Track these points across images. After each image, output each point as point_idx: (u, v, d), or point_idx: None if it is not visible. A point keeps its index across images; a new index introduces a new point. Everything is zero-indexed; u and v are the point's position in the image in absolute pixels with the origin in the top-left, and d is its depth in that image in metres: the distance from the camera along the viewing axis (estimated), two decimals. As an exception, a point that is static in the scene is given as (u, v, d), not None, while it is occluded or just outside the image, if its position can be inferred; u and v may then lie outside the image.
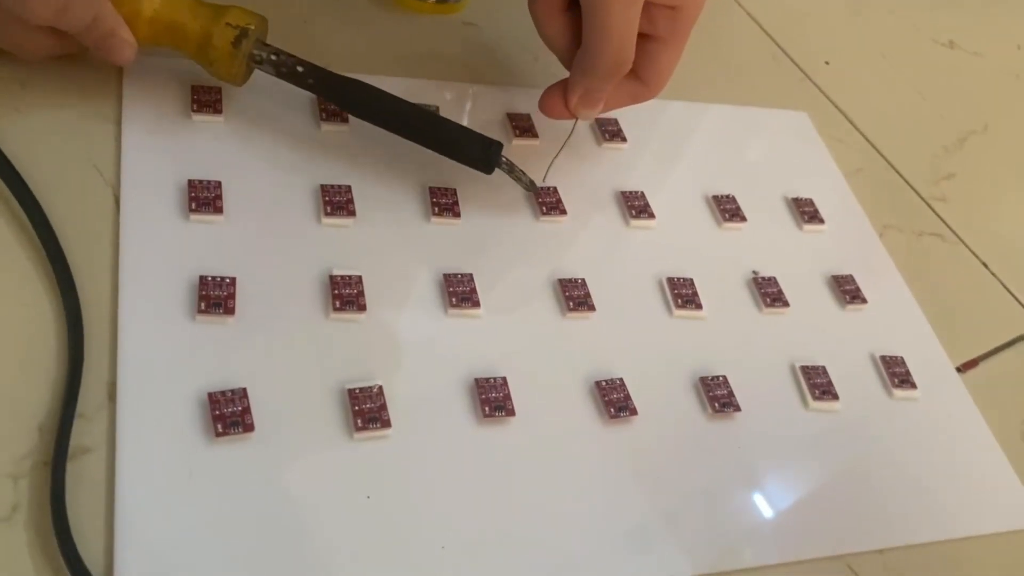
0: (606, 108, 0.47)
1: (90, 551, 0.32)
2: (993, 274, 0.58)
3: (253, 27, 0.42)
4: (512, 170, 0.45)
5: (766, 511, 0.41)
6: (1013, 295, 0.57)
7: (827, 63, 0.68)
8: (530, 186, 0.47)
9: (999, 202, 0.64)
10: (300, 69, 0.43)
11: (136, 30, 0.41)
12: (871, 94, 0.67)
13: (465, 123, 0.47)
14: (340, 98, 0.44)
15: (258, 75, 0.45)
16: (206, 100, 0.45)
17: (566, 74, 0.46)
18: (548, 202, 0.48)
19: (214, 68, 0.42)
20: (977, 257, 0.59)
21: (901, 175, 0.62)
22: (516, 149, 0.50)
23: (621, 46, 0.42)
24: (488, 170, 0.45)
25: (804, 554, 0.40)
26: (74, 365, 0.35)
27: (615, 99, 0.47)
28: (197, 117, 0.45)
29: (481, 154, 0.44)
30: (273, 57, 0.43)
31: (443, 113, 0.47)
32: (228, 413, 0.36)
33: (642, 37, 0.43)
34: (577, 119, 0.47)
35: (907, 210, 0.60)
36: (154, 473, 0.34)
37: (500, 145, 0.45)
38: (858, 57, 0.71)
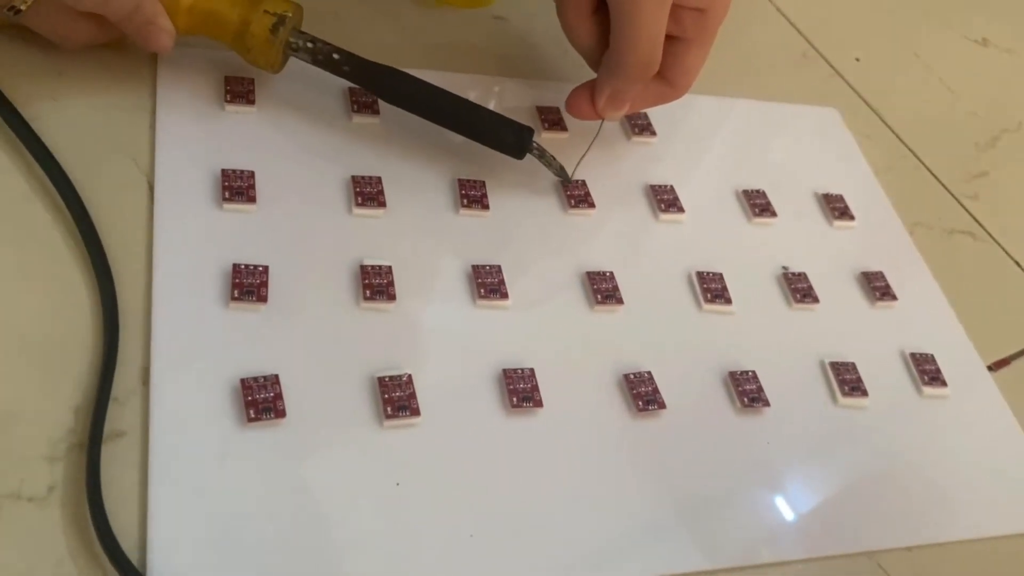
0: (632, 109, 0.47)
1: (124, 533, 0.32)
2: (1025, 273, 0.58)
3: (291, 14, 0.42)
4: (543, 155, 0.46)
5: (794, 506, 0.41)
6: (1046, 295, 0.57)
7: (857, 60, 0.67)
8: (560, 172, 0.47)
9: (1032, 201, 0.64)
10: (336, 56, 0.43)
11: (175, 19, 0.41)
12: (902, 91, 0.67)
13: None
14: (375, 85, 0.45)
15: (290, 67, 0.45)
16: (239, 91, 0.46)
17: (593, 71, 0.46)
18: (576, 195, 0.48)
19: (252, 56, 0.43)
20: (1009, 256, 0.58)
21: (932, 173, 0.62)
22: (545, 142, 0.50)
23: (650, 48, 0.43)
24: (520, 155, 0.45)
25: (832, 550, 0.40)
26: (109, 348, 0.35)
27: (641, 100, 0.47)
28: (230, 107, 0.45)
29: (513, 139, 0.45)
30: (309, 44, 0.43)
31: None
32: (260, 399, 0.36)
33: (669, 39, 0.44)
34: (603, 119, 0.47)
35: (938, 208, 0.59)
36: (187, 457, 0.34)
37: (531, 131, 0.45)
38: (889, 54, 0.70)
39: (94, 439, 0.33)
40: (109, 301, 0.37)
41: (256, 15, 0.42)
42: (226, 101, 0.45)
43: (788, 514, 0.41)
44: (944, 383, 0.48)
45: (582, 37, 0.45)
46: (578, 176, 0.49)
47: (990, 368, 0.51)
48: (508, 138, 0.45)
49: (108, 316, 0.36)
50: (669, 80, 0.46)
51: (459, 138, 0.46)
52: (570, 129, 0.51)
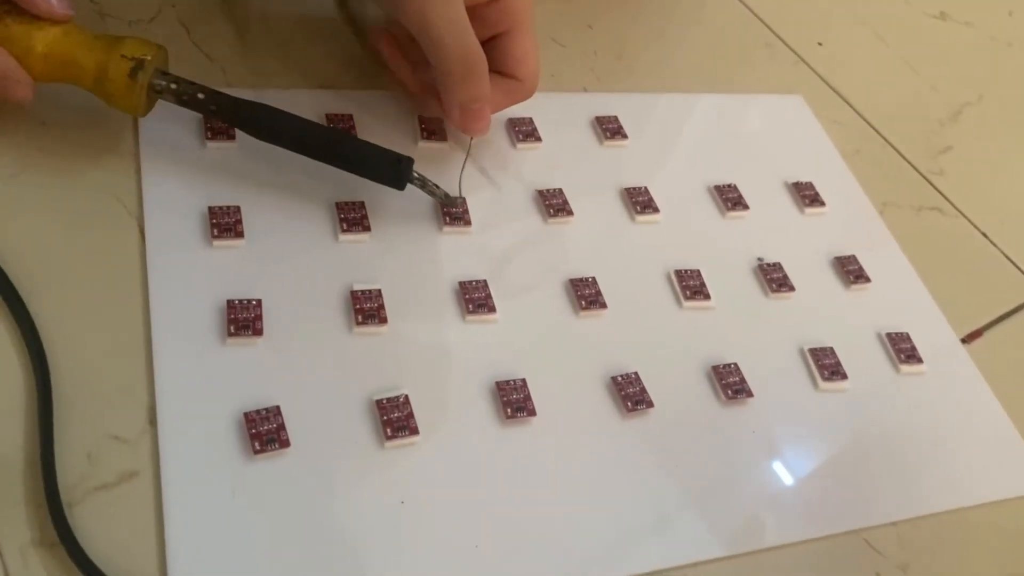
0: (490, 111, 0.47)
1: (144, 570, 0.34)
2: (993, 244, 0.59)
3: (150, 57, 0.41)
4: (425, 184, 0.45)
5: (783, 492, 0.43)
6: (1014, 263, 0.59)
7: (820, 44, 0.69)
8: (446, 199, 0.46)
9: (996, 172, 0.66)
10: (201, 96, 0.43)
11: (30, 67, 0.40)
12: (866, 72, 0.68)
13: (379, 131, 0.46)
14: (244, 123, 0.44)
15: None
16: (219, 127, 0.47)
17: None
18: (555, 204, 0.50)
19: (113, 101, 0.42)
20: (977, 228, 0.60)
21: (899, 152, 0.63)
22: (424, 152, 0.50)
23: (460, 46, 0.43)
24: (400, 186, 0.45)
25: (822, 531, 0.42)
26: (44, 412, 0.36)
27: (496, 100, 0.47)
28: (212, 144, 0.46)
29: (391, 171, 0.44)
30: (173, 86, 0.42)
31: (357, 122, 0.48)
32: (264, 431, 0.37)
33: (492, 39, 0.45)
34: (471, 135, 0.47)
35: (906, 186, 0.61)
36: (199, 492, 0.36)
37: (410, 160, 0.44)
38: (851, 36, 0.72)
39: (53, 499, 0.34)
40: (42, 373, 0.37)
41: (113, 60, 0.41)
42: (207, 138, 0.46)
43: (777, 500, 0.43)
44: (920, 360, 0.50)
45: (407, 75, 0.47)
46: (558, 184, 0.50)
47: (963, 341, 0.53)
48: (386, 170, 0.44)
49: (41, 386, 0.36)
50: (511, 75, 0.47)
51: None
52: (450, 138, 0.51)
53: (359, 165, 0.44)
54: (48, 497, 0.34)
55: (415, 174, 0.45)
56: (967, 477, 0.46)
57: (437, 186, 0.46)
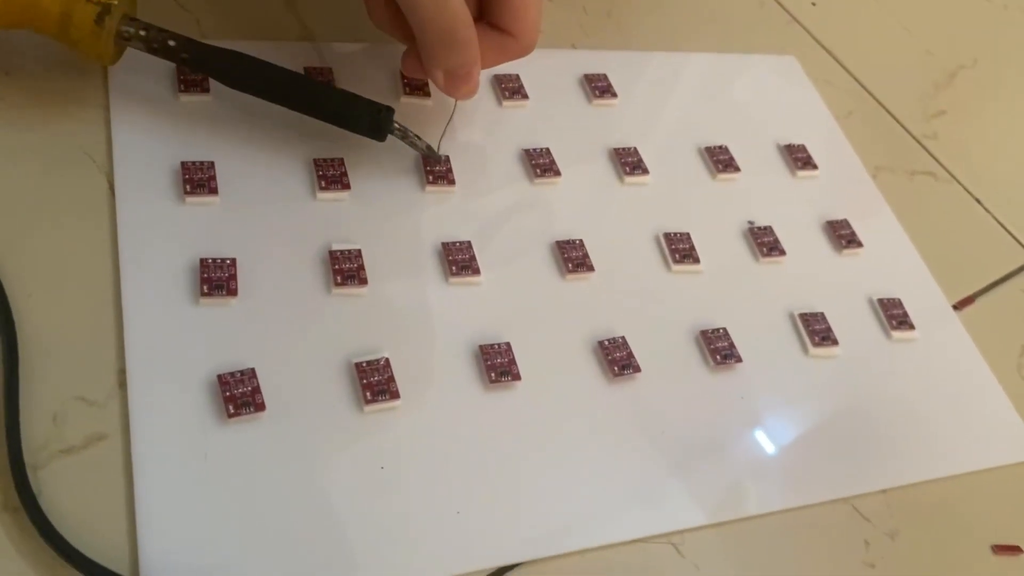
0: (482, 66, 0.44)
1: (112, 536, 0.32)
2: (986, 209, 0.58)
3: (116, 2, 0.39)
4: (406, 136, 0.44)
5: (772, 459, 0.42)
6: (1007, 229, 0.58)
7: (814, 4, 0.67)
8: (428, 151, 0.45)
9: (990, 137, 0.64)
10: (172, 43, 0.41)
11: None
12: (859, 34, 0.67)
13: (359, 86, 0.44)
14: (217, 71, 0.42)
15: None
16: (192, 79, 0.45)
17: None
18: (542, 164, 0.48)
19: (79, 49, 0.40)
20: (970, 193, 0.59)
21: (892, 115, 0.62)
22: (406, 107, 0.48)
23: (438, 14, 0.40)
24: (380, 137, 0.43)
25: (810, 498, 0.41)
26: (10, 372, 0.35)
27: (485, 58, 0.44)
28: (184, 97, 0.44)
29: (370, 121, 0.43)
30: (142, 33, 0.40)
31: (337, 76, 0.46)
32: (238, 394, 0.36)
33: None
34: (457, 99, 0.45)
35: (899, 150, 0.60)
36: (170, 457, 0.34)
37: (391, 110, 0.43)
38: (845, -4, 0.70)
39: (14, 454, 0.33)
40: (7, 328, 0.36)
41: (78, 5, 0.39)
42: (180, 91, 0.44)
43: (765, 467, 0.42)
44: (912, 326, 0.49)
45: (394, 31, 0.43)
46: (545, 144, 0.49)
47: (955, 307, 0.52)
48: (365, 120, 0.43)
49: (7, 343, 0.35)
50: (507, 30, 0.44)
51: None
52: (434, 95, 0.49)
53: (337, 115, 0.43)
54: (11, 460, 0.32)
55: (396, 125, 0.43)
56: (957, 444, 0.46)
57: (419, 137, 0.44)
